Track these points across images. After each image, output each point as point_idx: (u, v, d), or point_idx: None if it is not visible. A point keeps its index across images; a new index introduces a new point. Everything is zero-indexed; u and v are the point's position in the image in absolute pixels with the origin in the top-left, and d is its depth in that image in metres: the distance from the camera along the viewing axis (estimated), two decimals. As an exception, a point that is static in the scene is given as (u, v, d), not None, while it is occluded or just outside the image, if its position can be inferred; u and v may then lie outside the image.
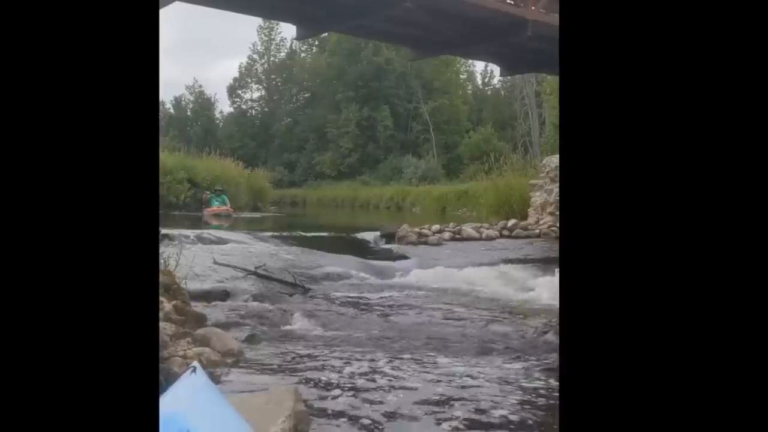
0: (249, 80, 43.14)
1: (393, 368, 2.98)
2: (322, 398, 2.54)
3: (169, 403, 1.49)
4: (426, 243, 7.93)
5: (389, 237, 8.07)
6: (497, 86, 40.68)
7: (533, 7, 7.79)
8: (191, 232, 7.14)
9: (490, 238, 8.55)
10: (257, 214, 15.52)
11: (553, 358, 3.11)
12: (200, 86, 44.91)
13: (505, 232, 8.96)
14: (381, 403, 2.50)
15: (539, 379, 2.88)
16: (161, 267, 3.97)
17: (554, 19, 7.41)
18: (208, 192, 14.26)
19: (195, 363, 1.85)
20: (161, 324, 2.94)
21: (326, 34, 32.50)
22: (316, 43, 39.77)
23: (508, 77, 28.12)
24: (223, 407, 1.70)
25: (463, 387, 2.74)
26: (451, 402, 2.55)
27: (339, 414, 2.37)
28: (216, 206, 13.72)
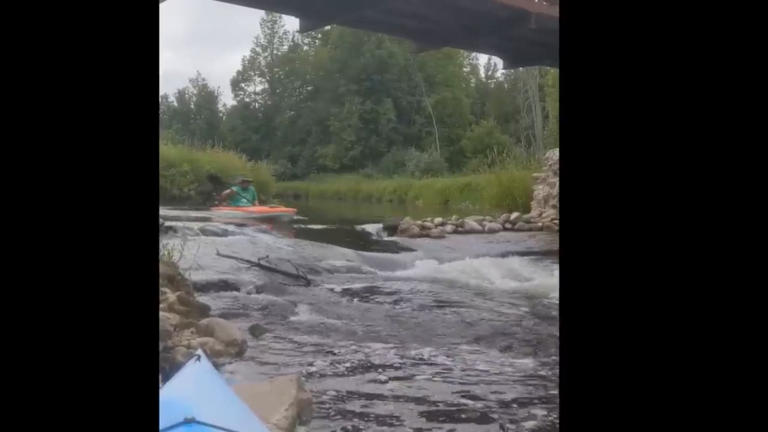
0: (252, 73, 43.17)
1: (397, 359, 3.00)
2: (324, 388, 2.55)
3: (172, 389, 1.50)
4: (428, 236, 7.92)
5: (392, 229, 8.07)
6: (500, 79, 40.65)
7: (536, -1, 7.77)
8: (195, 224, 7.16)
9: (492, 231, 8.55)
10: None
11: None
12: (204, 79, 45.07)
13: (508, 225, 8.96)
14: (383, 394, 2.52)
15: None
16: (165, 259, 3.98)
17: (557, 10, 7.38)
18: (232, 186, 10.30)
19: (199, 351, 1.87)
20: (165, 314, 2.96)
21: (329, 27, 32.45)
22: (319, 36, 39.70)
23: (512, 70, 28.03)
24: (227, 394, 1.71)
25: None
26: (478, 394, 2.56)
27: (340, 404, 2.39)
28: (246, 205, 9.83)
